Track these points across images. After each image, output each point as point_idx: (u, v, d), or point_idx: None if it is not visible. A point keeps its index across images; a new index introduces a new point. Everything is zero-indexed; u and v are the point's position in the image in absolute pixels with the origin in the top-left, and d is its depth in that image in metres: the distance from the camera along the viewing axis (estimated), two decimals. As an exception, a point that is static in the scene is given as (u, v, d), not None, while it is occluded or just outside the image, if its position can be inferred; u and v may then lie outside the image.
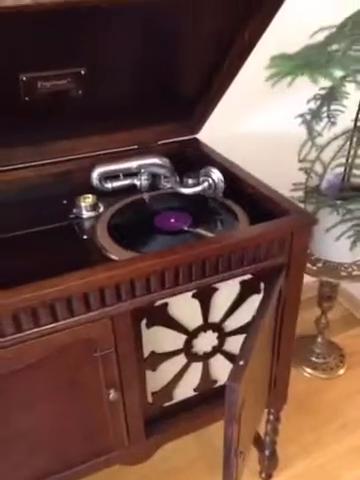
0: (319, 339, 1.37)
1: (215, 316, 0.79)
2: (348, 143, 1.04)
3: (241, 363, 0.57)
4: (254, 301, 0.80)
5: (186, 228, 0.80)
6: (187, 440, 0.95)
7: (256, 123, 1.20)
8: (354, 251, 1.07)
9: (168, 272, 0.67)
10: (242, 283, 0.77)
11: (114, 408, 0.73)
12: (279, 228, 0.72)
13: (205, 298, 0.76)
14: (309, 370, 1.35)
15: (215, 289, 0.75)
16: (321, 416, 1.22)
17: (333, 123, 1.04)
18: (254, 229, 0.72)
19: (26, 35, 0.64)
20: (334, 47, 0.90)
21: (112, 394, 0.71)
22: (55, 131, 0.90)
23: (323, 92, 1.02)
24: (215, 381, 0.86)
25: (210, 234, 0.77)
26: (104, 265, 0.64)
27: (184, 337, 0.77)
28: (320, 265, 1.15)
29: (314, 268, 1.15)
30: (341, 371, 1.35)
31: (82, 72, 0.75)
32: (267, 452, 1.02)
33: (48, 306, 0.60)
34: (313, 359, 1.37)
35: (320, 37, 0.95)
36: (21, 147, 0.88)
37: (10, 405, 0.65)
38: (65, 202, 0.91)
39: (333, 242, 1.06)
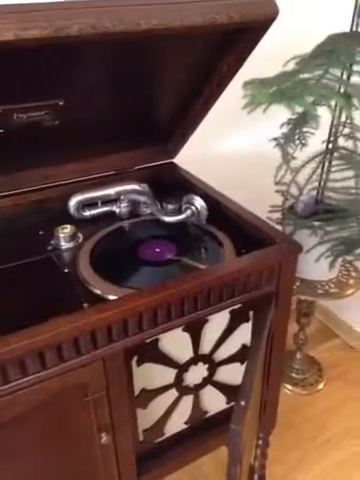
0: (298, 355, 1.39)
1: (205, 347, 0.77)
2: (321, 165, 1.07)
3: (242, 403, 0.56)
4: (243, 329, 0.80)
5: (172, 257, 0.79)
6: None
7: (232, 145, 1.22)
8: (331, 270, 1.10)
9: (160, 309, 0.65)
10: (231, 312, 0.76)
11: (106, 451, 0.70)
12: (269, 257, 0.72)
13: (196, 330, 0.74)
14: (289, 387, 1.36)
15: (206, 320, 0.74)
16: (304, 433, 1.23)
17: (304, 144, 1.07)
18: (245, 259, 0.72)
19: (5, 68, 0.61)
20: (306, 75, 0.93)
21: (104, 438, 0.68)
22: (30, 159, 0.86)
23: (295, 117, 1.05)
24: (206, 412, 0.85)
25: (197, 263, 0.76)
26: (95, 307, 0.61)
27: (175, 371, 0.76)
28: (298, 284, 1.17)
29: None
30: (320, 386, 1.37)
31: (60, 103, 0.73)
32: (256, 477, 1.01)
33: (37, 354, 0.56)
34: (293, 375, 1.38)
35: (292, 64, 0.98)
36: (-5, 177, 0.84)
37: (1, 456, 0.61)
38: (42, 233, 0.87)
39: (311, 262, 1.08)
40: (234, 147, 1.24)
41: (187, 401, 0.81)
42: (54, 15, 0.53)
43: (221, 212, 0.87)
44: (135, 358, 0.69)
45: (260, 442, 0.95)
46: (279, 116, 0.99)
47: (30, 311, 0.66)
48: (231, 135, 1.24)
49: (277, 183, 1.04)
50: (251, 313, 0.79)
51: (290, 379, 1.37)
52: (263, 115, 0.88)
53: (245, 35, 0.71)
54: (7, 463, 0.63)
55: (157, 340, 0.70)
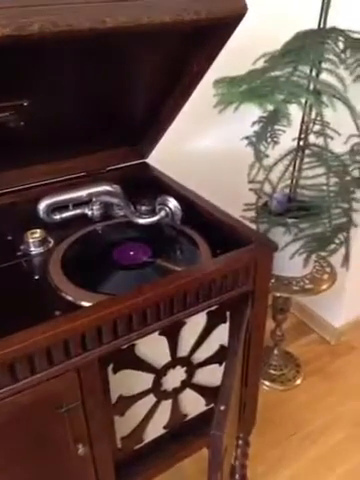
0: (275, 351, 1.40)
1: (183, 350, 0.76)
2: (293, 163, 1.07)
3: (222, 408, 0.55)
4: (220, 330, 0.79)
5: (146, 260, 0.77)
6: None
7: (204, 144, 1.21)
8: (306, 266, 1.11)
9: (136, 314, 0.63)
10: (208, 314, 0.76)
11: (83, 463, 0.68)
12: (244, 257, 0.72)
13: (173, 334, 0.73)
14: (267, 383, 1.37)
15: (183, 323, 0.73)
16: (283, 429, 1.24)
17: (275, 142, 1.07)
18: (221, 260, 0.71)
19: None
20: (277, 73, 0.93)
21: (81, 449, 0.65)
22: (-4, 163, 0.83)
23: (266, 115, 1.05)
24: (185, 415, 0.84)
25: (172, 266, 0.75)
26: (67, 315, 0.59)
27: (152, 376, 0.74)
28: (273, 281, 1.17)
29: (268, 284, 1.17)
30: (298, 381, 1.38)
31: (25, 104, 0.70)
32: (237, 477, 1.01)
33: (7, 367, 0.54)
34: (271, 371, 1.39)
35: (261, 62, 0.98)
36: None
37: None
38: (10, 238, 0.84)
39: (285, 259, 1.09)
40: (206, 146, 1.23)
41: (166, 405, 0.80)
42: (14, 12, 0.50)
43: (195, 212, 0.86)
44: (111, 366, 0.67)
45: (240, 442, 0.95)
46: (250, 114, 0.99)
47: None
48: (203, 134, 1.23)
49: (250, 181, 1.04)
50: (228, 313, 0.78)
51: (268, 375, 1.38)
52: (234, 113, 0.87)
53: (214, 32, 0.70)
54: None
55: (133, 346, 0.69)
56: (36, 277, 0.75)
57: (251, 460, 1.05)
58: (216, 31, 0.70)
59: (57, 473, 0.68)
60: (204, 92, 0.87)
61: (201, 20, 0.62)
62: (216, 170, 1.18)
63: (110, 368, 0.67)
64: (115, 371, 0.68)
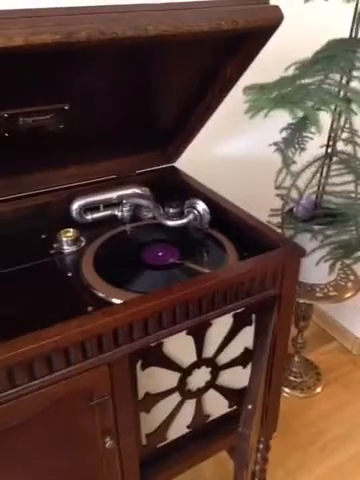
0: (296, 358, 1.39)
1: (208, 351, 0.78)
2: (320, 169, 1.08)
3: (250, 407, 0.56)
4: (246, 333, 0.80)
5: (175, 261, 0.79)
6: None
7: (232, 149, 1.22)
8: (330, 273, 1.11)
9: (166, 312, 0.65)
10: (235, 316, 0.77)
11: (110, 456, 0.70)
12: (273, 261, 0.73)
13: (199, 334, 0.74)
14: (288, 390, 1.36)
15: (209, 324, 0.75)
16: (302, 436, 1.24)
17: (303, 149, 1.08)
18: (250, 263, 0.72)
19: (11, 72, 0.61)
20: (307, 80, 0.94)
21: (108, 442, 0.67)
22: (33, 163, 0.86)
23: (294, 121, 1.06)
24: (208, 416, 0.85)
25: (199, 268, 0.77)
26: (103, 310, 0.61)
27: (178, 375, 0.76)
28: (296, 287, 1.17)
29: (292, 291, 1.17)
30: (318, 389, 1.37)
31: (66, 107, 0.73)
32: (257, 481, 1.02)
33: (44, 358, 0.56)
34: (291, 378, 1.39)
35: (292, 70, 0.99)
36: (-1, 181, 0.84)
37: (4, 462, 0.60)
38: (44, 236, 0.87)
39: (310, 265, 1.09)
40: (232, 151, 1.25)
41: (190, 405, 0.81)
42: (64, 20, 0.53)
43: (223, 216, 0.88)
44: (140, 362, 0.69)
45: (261, 446, 0.96)
46: (275, 121, 1.00)
47: (33, 315, 0.66)
48: (229, 139, 1.25)
49: (277, 187, 1.05)
50: (254, 316, 0.79)
51: (288, 382, 1.38)
52: (261, 120, 0.88)
53: (249, 41, 0.72)
54: (12, 469, 0.62)
55: (161, 344, 0.70)
56: (69, 274, 0.77)
57: (270, 465, 1.06)
58: (251, 39, 0.72)
59: (85, 465, 0.70)
60: (231, 98, 0.89)
61: (238, 29, 0.64)
62: (242, 175, 1.19)
63: (139, 365, 0.69)
64: (143, 368, 0.70)
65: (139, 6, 0.60)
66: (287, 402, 1.32)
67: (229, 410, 0.87)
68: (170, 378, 0.75)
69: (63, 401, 0.60)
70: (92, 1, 0.61)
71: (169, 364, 0.73)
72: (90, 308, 0.66)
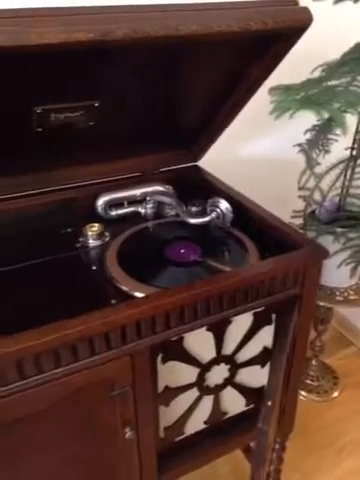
0: (313, 362, 1.38)
1: (228, 348, 0.78)
2: (344, 172, 1.07)
3: (269, 404, 0.56)
4: (265, 332, 0.80)
5: (197, 259, 0.80)
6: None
7: (256, 149, 1.23)
8: (352, 277, 1.10)
9: (187, 308, 0.66)
10: (255, 314, 0.77)
11: (129, 446, 0.71)
12: (295, 261, 0.73)
13: (219, 331, 0.75)
14: (304, 393, 1.36)
15: (229, 321, 0.75)
16: (319, 440, 1.23)
17: (327, 151, 1.08)
18: (272, 262, 0.73)
19: (44, 69, 0.63)
20: (334, 82, 0.94)
21: (128, 433, 0.69)
22: (60, 159, 0.89)
23: (319, 123, 1.05)
24: (225, 413, 0.86)
25: (221, 266, 0.77)
26: (127, 302, 0.63)
27: (197, 370, 0.77)
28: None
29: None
30: (335, 393, 1.36)
31: (96, 105, 0.75)
32: (271, 481, 1.01)
33: (70, 347, 0.58)
34: (308, 382, 1.38)
35: (318, 72, 0.99)
36: (26, 175, 0.86)
37: (23, 450, 0.62)
38: (70, 230, 0.90)
39: (331, 268, 1.09)
40: (255, 151, 1.25)
41: (207, 401, 0.82)
42: (98, 19, 0.55)
43: (245, 215, 0.88)
44: (160, 355, 0.70)
45: (277, 446, 0.96)
46: (298, 122, 1.00)
47: (59, 305, 0.68)
48: (253, 140, 1.25)
49: (301, 188, 1.05)
50: (274, 316, 0.80)
51: (305, 385, 1.37)
52: (283, 121, 0.88)
53: (278, 42, 0.73)
54: (33, 457, 0.64)
55: (182, 338, 0.72)
56: (93, 267, 0.80)
57: (286, 468, 1.05)
58: (279, 40, 0.72)
59: (104, 455, 0.71)
60: (255, 98, 0.90)
61: (267, 30, 0.64)
62: (264, 176, 1.19)
63: (159, 358, 0.70)
64: (164, 361, 0.71)
65: (171, 6, 0.61)
66: (303, 405, 1.31)
67: (246, 408, 0.87)
68: (189, 373, 0.76)
69: (86, 390, 0.62)
70: (125, 1, 0.62)
71: (189, 359, 0.74)
72: (114, 301, 0.68)
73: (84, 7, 0.57)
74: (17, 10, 0.52)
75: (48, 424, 0.62)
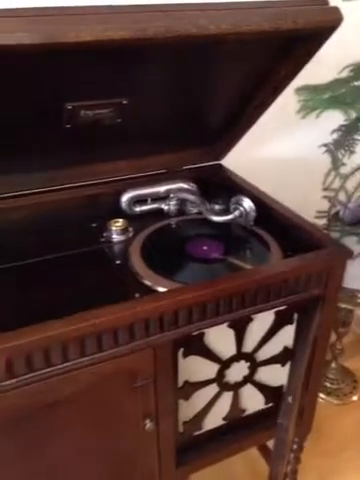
0: (333, 364, 1.37)
1: (248, 346, 0.79)
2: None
3: (290, 400, 0.57)
4: (286, 331, 0.80)
5: (219, 257, 0.81)
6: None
7: (280, 149, 1.22)
8: (375, 279, 1.09)
9: (210, 303, 0.67)
10: (277, 313, 0.77)
11: (149, 438, 0.73)
12: (318, 261, 0.73)
13: (240, 328, 0.76)
14: (323, 396, 1.35)
15: (250, 319, 0.76)
16: (336, 442, 1.22)
17: (352, 152, 1.07)
18: (295, 261, 0.73)
19: (77, 67, 0.65)
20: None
21: (148, 424, 0.70)
22: (88, 155, 0.91)
23: (346, 123, 1.05)
24: (244, 410, 0.86)
25: (243, 264, 0.78)
26: (151, 296, 0.64)
27: (217, 366, 0.77)
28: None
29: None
30: (355, 397, 1.35)
31: (124, 102, 0.76)
32: (288, 481, 1.01)
33: (95, 337, 0.59)
34: (327, 384, 1.37)
35: (347, 72, 0.98)
36: (55, 170, 0.89)
37: (48, 436, 0.64)
38: (94, 225, 0.91)
39: (352, 271, 1.07)
40: (280, 151, 1.24)
41: (227, 397, 0.82)
42: (130, 18, 0.56)
43: (268, 214, 0.88)
44: (182, 350, 0.71)
45: (294, 446, 0.95)
46: (327, 121, 1.00)
47: (83, 297, 0.70)
48: (277, 139, 1.25)
49: (325, 189, 1.04)
50: (295, 316, 0.80)
51: (324, 388, 1.36)
52: (308, 121, 0.88)
53: (307, 41, 0.73)
54: (56, 443, 0.66)
55: (203, 334, 0.72)
56: (117, 262, 0.81)
57: (303, 469, 1.05)
58: (309, 40, 0.72)
59: (124, 444, 0.73)
60: (280, 98, 0.90)
61: (297, 30, 0.65)
62: (288, 175, 1.19)
63: (181, 352, 0.71)
64: (185, 355, 0.72)
65: (202, 5, 0.62)
66: (322, 408, 1.30)
67: (265, 407, 0.87)
68: (209, 369, 0.77)
69: (109, 380, 0.64)
70: (157, 0, 0.63)
71: (209, 355, 0.75)
72: (137, 295, 0.69)
73: (117, 6, 0.59)
74: (55, 8, 0.53)
75: (72, 412, 0.64)
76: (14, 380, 0.56)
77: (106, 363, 0.62)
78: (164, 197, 0.97)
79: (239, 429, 0.86)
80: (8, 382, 0.56)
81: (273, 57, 0.77)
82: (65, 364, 0.59)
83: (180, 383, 0.74)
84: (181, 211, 0.97)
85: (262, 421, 0.87)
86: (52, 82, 0.67)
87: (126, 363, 0.64)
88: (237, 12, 0.62)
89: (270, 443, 1.00)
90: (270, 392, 0.85)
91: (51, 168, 0.88)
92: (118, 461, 0.73)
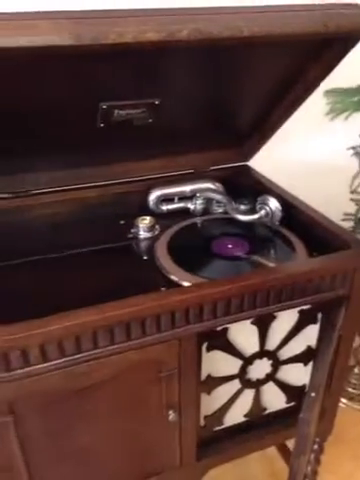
0: (356, 370, 1.36)
1: (271, 344, 0.80)
2: None
3: (313, 395, 0.57)
4: (310, 330, 0.81)
5: (244, 255, 0.82)
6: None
7: (307, 150, 1.23)
8: None
9: (234, 299, 0.68)
10: (300, 312, 0.78)
11: (171, 428, 0.74)
12: (344, 261, 0.73)
13: (264, 325, 0.77)
14: (344, 400, 1.33)
15: (274, 317, 0.77)
16: (357, 446, 1.21)
17: (380, 155, 1.07)
18: (321, 260, 0.73)
19: (112, 67, 0.68)
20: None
21: (171, 415, 0.72)
22: (118, 154, 0.93)
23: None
24: (265, 408, 0.87)
25: (268, 262, 0.79)
26: (177, 289, 0.66)
27: (240, 363, 0.78)
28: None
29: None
30: (377, 404, 1.33)
31: (156, 102, 0.79)
32: (307, 483, 1.01)
33: (124, 325, 0.62)
34: (349, 389, 1.35)
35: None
36: (86, 168, 0.92)
37: (77, 419, 0.67)
38: (122, 222, 0.94)
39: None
40: (306, 153, 1.25)
41: (248, 394, 0.83)
42: (167, 20, 0.58)
43: (294, 215, 0.89)
44: (206, 344, 0.73)
45: (315, 447, 0.95)
46: (347, 125, 0.99)
47: (112, 289, 0.72)
48: (304, 141, 1.25)
49: (353, 192, 1.04)
50: (319, 315, 0.80)
51: (346, 393, 1.34)
52: (335, 124, 0.89)
53: (337, 44, 0.73)
54: (84, 427, 0.69)
55: (227, 329, 0.74)
56: (144, 257, 0.84)
57: (323, 472, 1.05)
58: (338, 43, 0.73)
59: (147, 433, 0.75)
60: (309, 100, 0.90)
61: (329, 33, 0.66)
62: (315, 177, 1.19)
63: (204, 346, 0.73)
64: (208, 350, 0.73)
65: (235, 8, 0.64)
66: (344, 412, 1.28)
67: (286, 406, 0.88)
68: (232, 365, 0.78)
69: (136, 368, 0.66)
70: (191, 3, 0.66)
71: (232, 350, 0.76)
72: (163, 289, 0.71)
73: (154, 9, 0.61)
74: (96, 11, 0.57)
75: (101, 397, 0.66)
76: (47, 364, 0.59)
77: (133, 352, 0.64)
78: (190, 196, 1.00)
79: (259, 427, 0.87)
80: (41, 366, 0.59)
81: (303, 59, 0.79)
82: (95, 351, 0.62)
83: (203, 377, 0.76)
84: (207, 210, 0.99)
85: (283, 420, 0.88)
86: (90, 82, 0.70)
87: (152, 353, 0.66)
88: (269, 15, 0.64)
89: (289, 443, 1.01)
90: (292, 391, 0.86)
91: (83, 166, 0.92)
92: (141, 448, 0.75)
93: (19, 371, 0.58)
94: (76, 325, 0.58)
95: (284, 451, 1.05)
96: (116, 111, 0.77)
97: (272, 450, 1.11)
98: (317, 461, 0.97)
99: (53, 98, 0.71)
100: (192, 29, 0.58)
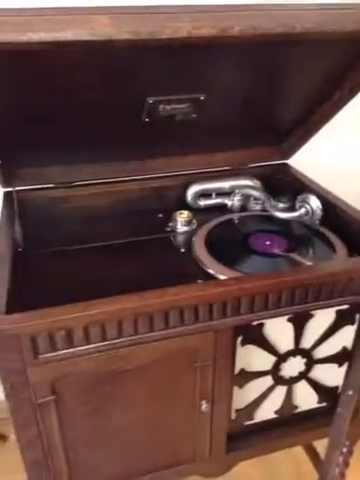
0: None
1: (306, 342, 0.79)
2: None
3: (350, 393, 0.57)
4: (347, 331, 0.80)
5: (281, 252, 0.82)
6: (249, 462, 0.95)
7: (348, 150, 1.21)
8: None
9: (272, 294, 0.69)
10: (338, 312, 0.78)
11: (203, 419, 0.76)
12: (386, 262, 0.72)
13: (300, 323, 0.77)
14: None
15: (311, 315, 0.76)
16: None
17: None
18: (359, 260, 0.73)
19: (160, 62, 0.70)
20: None
21: (204, 405, 0.73)
22: (160, 149, 0.95)
23: None
24: (296, 407, 0.87)
25: (306, 261, 0.79)
26: (216, 281, 0.67)
27: (273, 359, 0.79)
28: None
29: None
30: None
31: (201, 98, 0.80)
32: (334, 486, 1.00)
33: (163, 313, 0.63)
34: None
35: None
36: (130, 162, 0.94)
37: (115, 402, 0.69)
38: (161, 216, 0.96)
39: None
40: (349, 153, 1.23)
41: (280, 391, 0.83)
42: (220, 16, 0.59)
43: (335, 214, 0.88)
44: (240, 338, 0.74)
45: (344, 449, 0.94)
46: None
47: (150, 280, 0.74)
48: (346, 140, 1.23)
49: (394, 193, 1.02)
50: (357, 316, 0.79)
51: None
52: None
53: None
54: (121, 410, 0.71)
55: (262, 325, 0.74)
56: (182, 250, 0.85)
57: (350, 473, 1.03)
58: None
59: (180, 422, 0.76)
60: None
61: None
62: (356, 176, 1.17)
63: (239, 340, 0.74)
64: (243, 344, 0.74)
65: (287, 5, 0.64)
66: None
67: (317, 406, 0.87)
68: (266, 361, 0.78)
69: (173, 356, 0.67)
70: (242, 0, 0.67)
71: (267, 346, 0.76)
72: (200, 281, 0.72)
73: (207, 5, 0.63)
74: (150, 7, 0.58)
75: (138, 382, 0.68)
76: (90, 346, 0.62)
77: (171, 340, 0.66)
78: (228, 192, 1.00)
79: (289, 425, 0.87)
80: (84, 347, 0.61)
81: (351, 57, 0.78)
82: (135, 336, 0.64)
83: (237, 370, 0.77)
84: (244, 207, 1.00)
85: (313, 420, 0.87)
86: (138, 77, 0.72)
87: (189, 342, 0.67)
88: (321, 12, 0.64)
89: (317, 445, 1.00)
90: (324, 392, 0.85)
91: (125, 159, 0.95)
92: (174, 436, 0.77)
93: (63, 351, 0.61)
94: (118, 310, 0.60)
95: (312, 454, 1.04)
96: (162, 106, 0.79)
97: (300, 452, 1.11)
98: (345, 464, 0.96)
99: (102, 92, 0.73)
100: (245, 25, 0.59)
